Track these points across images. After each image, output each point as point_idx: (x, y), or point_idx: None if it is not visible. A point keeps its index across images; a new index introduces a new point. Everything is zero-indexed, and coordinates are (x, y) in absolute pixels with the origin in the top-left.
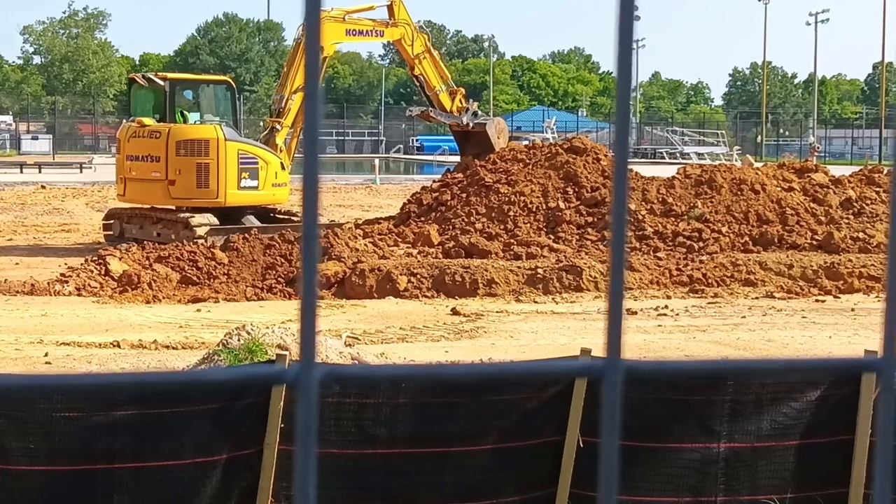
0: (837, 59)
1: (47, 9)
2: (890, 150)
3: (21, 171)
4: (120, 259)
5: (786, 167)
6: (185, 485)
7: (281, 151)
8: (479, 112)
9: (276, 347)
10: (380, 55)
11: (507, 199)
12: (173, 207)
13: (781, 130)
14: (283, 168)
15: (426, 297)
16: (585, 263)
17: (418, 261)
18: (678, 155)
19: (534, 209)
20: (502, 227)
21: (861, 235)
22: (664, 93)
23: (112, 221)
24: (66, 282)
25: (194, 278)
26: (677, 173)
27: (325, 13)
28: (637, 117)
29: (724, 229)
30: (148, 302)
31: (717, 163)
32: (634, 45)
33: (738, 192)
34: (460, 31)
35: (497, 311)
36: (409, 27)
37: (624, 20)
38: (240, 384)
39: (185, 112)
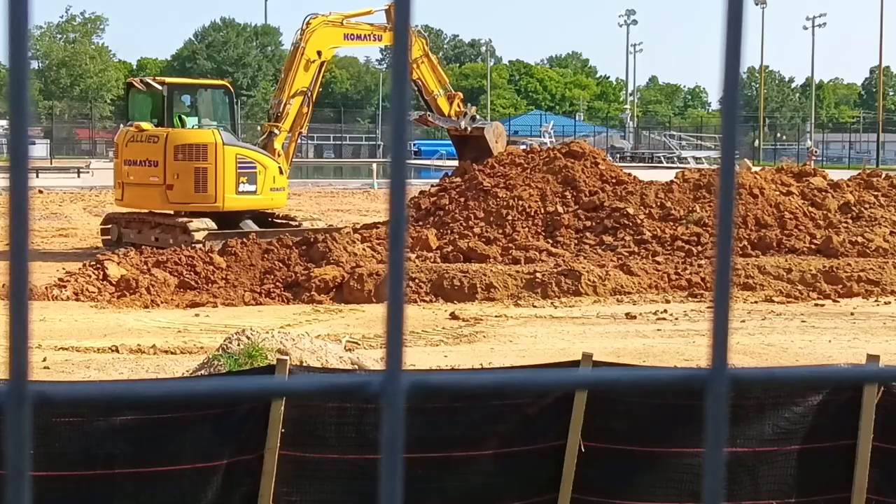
0: (835, 63)
1: (45, 13)
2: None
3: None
4: (118, 264)
5: (784, 171)
6: (185, 490)
7: (279, 156)
8: (478, 116)
9: (277, 352)
10: (377, 59)
11: (505, 203)
12: (171, 212)
13: (779, 135)
14: (281, 172)
15: (425, 301)
16: (584, 267)
17: (417, 265)
18: (676, 159)
19: (532, 213)
20: (500, 231)
21: (860, 239)
22: (661, 97)
23: (110, 226)
24: (65, 286)
25: (192, 283)
26: (675, 178)
27: (324, 18)
28: (634, 122)
29: None
30: (146, 307)
31: (714, 167)
32: (631, 50)
33: (737, 196)
34: (458, 36)
35: (496, 316)
36: None
37: (732, 21)
38: (321, 395)
39: (184, 116)
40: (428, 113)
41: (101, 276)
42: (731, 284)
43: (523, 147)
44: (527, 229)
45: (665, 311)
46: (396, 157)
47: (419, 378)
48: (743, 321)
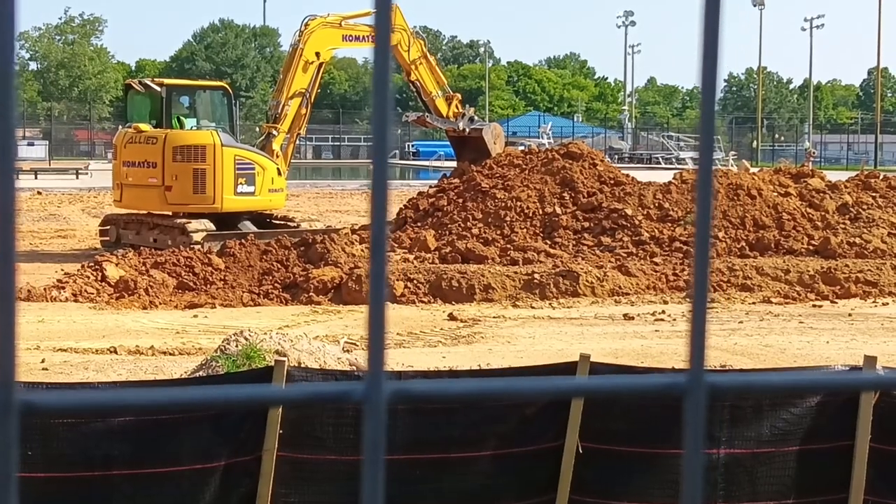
0: (833, 64)
1: (43, 15)
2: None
3: (17, 177)
4: (116, 265)
5: (782, 172)
6: (184, 491)
7: (277, 157)
8: (476, 117)
9: (275, 353)
10: None
11: (503, 204)
12: (170, 213)
13: (777, 136)
14: (279, 174)
15: (423, 302)
16: (582, 268)
17: (415, 266)
18: (674, 160)
19: (530, 214)
20: (499, 232)
21: (858, 240)
22: (660, 98)
23: (108, 227)
24: (63, 288)
25: (191, 284)
26: (674, 178)
27: (322, 19)
28: (632, 123)
29: (720, 234)
30: (144, 308)
31: (715, 167)
32: (629, 51)
33: (735, 198)
34: (456, 37)
35: (494, 317)
36: (405, 33)
37: (709, 24)
38: (305, 403)
39: (182, 118)
40: (426, 114)
41: (99, 278)
42: (708, 291)
43: (521, 148)
44: (525, 230)
45: (663, 311)
46: (378, 161)
47: (401, 386)
48: (741, 322)
